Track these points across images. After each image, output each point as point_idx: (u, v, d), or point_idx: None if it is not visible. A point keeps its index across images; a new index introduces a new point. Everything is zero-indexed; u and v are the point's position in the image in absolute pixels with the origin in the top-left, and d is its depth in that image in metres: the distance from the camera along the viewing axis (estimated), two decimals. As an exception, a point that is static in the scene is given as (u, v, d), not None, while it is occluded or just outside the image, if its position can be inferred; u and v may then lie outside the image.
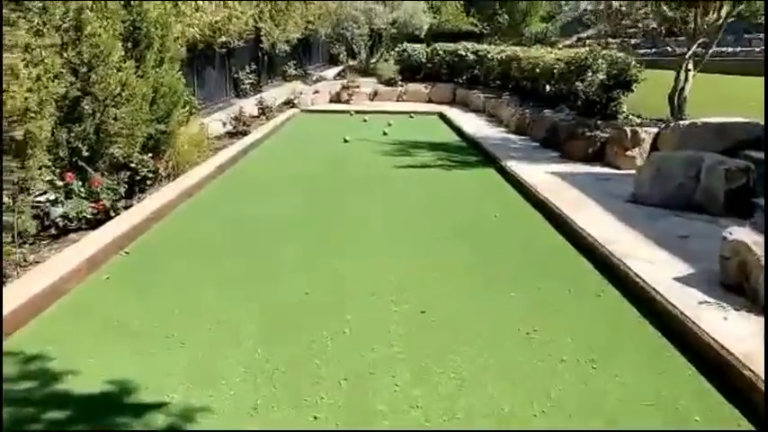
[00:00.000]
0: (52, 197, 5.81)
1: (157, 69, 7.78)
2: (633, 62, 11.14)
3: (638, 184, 7.12)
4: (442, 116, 15.62)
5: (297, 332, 4.01)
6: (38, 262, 4.95)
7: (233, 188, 8.24)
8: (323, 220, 6.68)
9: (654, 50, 25.23)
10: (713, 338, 3.67)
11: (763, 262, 4.00)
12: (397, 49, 20.71)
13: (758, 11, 10.96)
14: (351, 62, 23.30)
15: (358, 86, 18.79)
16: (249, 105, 13.88)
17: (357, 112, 16.16)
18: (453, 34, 23.47)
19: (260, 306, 4.41)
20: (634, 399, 3.29)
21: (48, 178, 5.78)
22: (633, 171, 8.05)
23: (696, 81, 10.64)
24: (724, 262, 4.45)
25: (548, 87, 13.12)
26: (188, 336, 3.93)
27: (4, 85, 4.50)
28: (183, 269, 5.14)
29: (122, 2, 7.14)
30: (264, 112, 14.32)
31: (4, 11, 4.68)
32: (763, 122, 7.76)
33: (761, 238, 4.22)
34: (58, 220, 5.67)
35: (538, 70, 13.52)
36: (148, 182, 7.37)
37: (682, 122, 8.58)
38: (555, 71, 12.53)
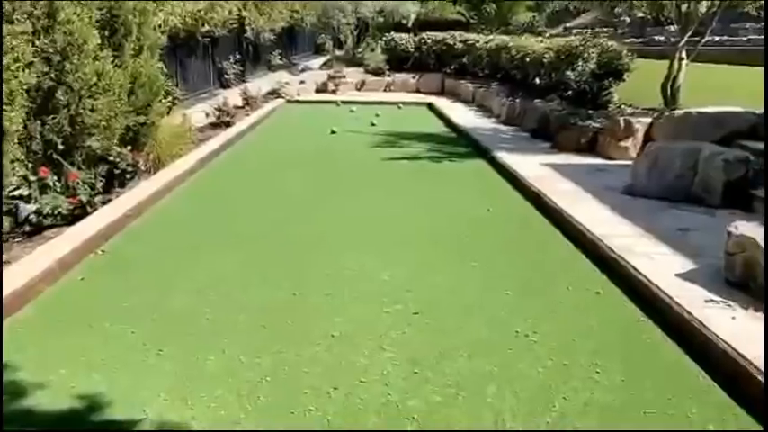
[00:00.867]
0: (26, 192, 5.52)
1: (136, 59, 7.47)
2: (624, 51, 10.96)
3: (634, 175, 6.93)
4: (431, 106, 15.38)
5: (283, 337, 3.78)
6: (9, 262, 4.68)
7: (215, 182, 7.96)
8: (310, 215, 6.43)
9: (641, 40, 25.11)
10: (723, 340, 3.48)
11: (772, 259, 3.82)
12: (384, 38, 20.41)
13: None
14: (337, 52, 22.99)
15: (344, 76, 18.49)
16: (233, 96, 13.59)
17: (344, 102, 15.87)
18: (441, 23, 23.18)
19: (244, 309, 4.17)
20: (639, 404, 3.10)
21: (21, 173, 5.51)
22: (627, 162, 7.89)
23: (688, 70, 10.48)
24: (729, 258, 4.26)
25: (537, 79, 12.91)
26: (166, 343, 3.68)
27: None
28: (163, 269, 4.88)
29: (98, -13, 6.83)
30: (249, 102, 14.02)
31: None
32: (758, 112, 7.61)
33: (769, 234, 4.04)
34: (32, 217, 5.39)
35: (528, 60, 13.31)
36: (128, 176, 7.07)
37: (676, 112, 8.41)
38: (545, 60, 12.33)
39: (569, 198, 6.55)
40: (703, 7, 10.22)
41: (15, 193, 5.49)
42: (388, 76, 18.97)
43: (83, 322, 3.93)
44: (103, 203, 6.23)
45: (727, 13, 11.56)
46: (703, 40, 10.38)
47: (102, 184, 6.34)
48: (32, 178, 5.65)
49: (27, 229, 5.39)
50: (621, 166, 7.94)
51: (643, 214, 5.97)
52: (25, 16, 5.59)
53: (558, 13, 29.39)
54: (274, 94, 16.32)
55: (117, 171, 6.87)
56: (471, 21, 25.81)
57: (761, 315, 3.80)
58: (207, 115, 11.68)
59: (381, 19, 21.62)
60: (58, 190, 5.78)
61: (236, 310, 4.14)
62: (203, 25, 12.72)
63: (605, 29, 19.03)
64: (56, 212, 5.54)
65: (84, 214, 5.82)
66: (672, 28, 12.23)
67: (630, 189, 6.81)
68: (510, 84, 14.61)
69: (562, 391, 3.22)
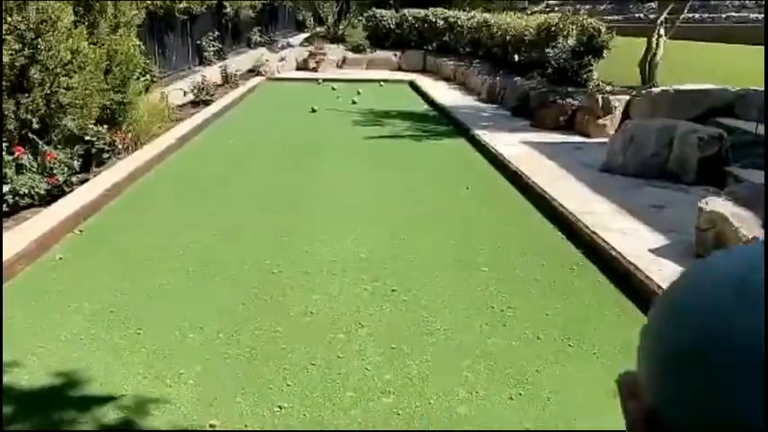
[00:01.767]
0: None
1: (112, 36, 7.37)
2: (603, 28, 10.99)
3: (611, 152, 7.00)
4: (413, 84, 15.32)
5: (262, 313, 3.81)
6: (-16, 242, 4.65)
7: (193, 161, 7.91)
8: (289, 194, 6.43)
9: (621, 17, 25.16)
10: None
11: (741, 234, 3.91)
12: (365, 14, 20.23)
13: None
14: (318, 29, 22.74)
15: (325, 54, 18.32)
16: (213, 74, 13.44)
17: (325, 80, 15.75)
18: (423, 0, 23.01)
19: (223, 286, 4.20)
20: (613, 376, 3.18)
21: (-6, 153, 5.45)
22: (605, 139, 7.95)
23: (667, 47, 10.55)
24: (700, 234, 4.36)
25: (517, 56, 12.90)
26: (145, 321, 3.70)
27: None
28: (141, 248, 4.88)
29: (71, -37, 6.71)
30: (228, 80, 13.89)
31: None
32: (734, 89, 7.71)
33: (739, 210, 4.13)
34: (8, 197, 5.34)
35: (508, 37, 13.30)
36: (105, 155, 7.01)
37: (653, 90, 8.49)
38: (526, 38, 12.33)
39: (547, 176, 6.61)
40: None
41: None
42: (370, 53, 18.85)
43: (61, 301, 3.93)
44: (81, 183, 6.18)
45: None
46: (681, 17, 10.43)
47: (79, 163, 6.28)
48: (8, 158, 5.60)
49: (3, 209, 5.34)
50: (600, 143, 8.00)
51: (619, 191, 6.06)
52: (-4, -8, 5.50)
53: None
54: (254, 71, 16.16)
55: (94, 150, 6.80)
56: (454, -3, 25.61)
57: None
58: (185, 93, 11.55)
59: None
60: (35, 170, 5.73)
61: (215, 288, 4.16)
62: (181, 2, 12.52)
63: (587, 6, 19.04)
64: (33, 193, 5.50)
65: (62, 194, 5.77)
66: (653, 5, 12.26)
67: (607, 166, 6.88)
68: (491, 61, 14.60)
69: (535, 365, 3.30)
